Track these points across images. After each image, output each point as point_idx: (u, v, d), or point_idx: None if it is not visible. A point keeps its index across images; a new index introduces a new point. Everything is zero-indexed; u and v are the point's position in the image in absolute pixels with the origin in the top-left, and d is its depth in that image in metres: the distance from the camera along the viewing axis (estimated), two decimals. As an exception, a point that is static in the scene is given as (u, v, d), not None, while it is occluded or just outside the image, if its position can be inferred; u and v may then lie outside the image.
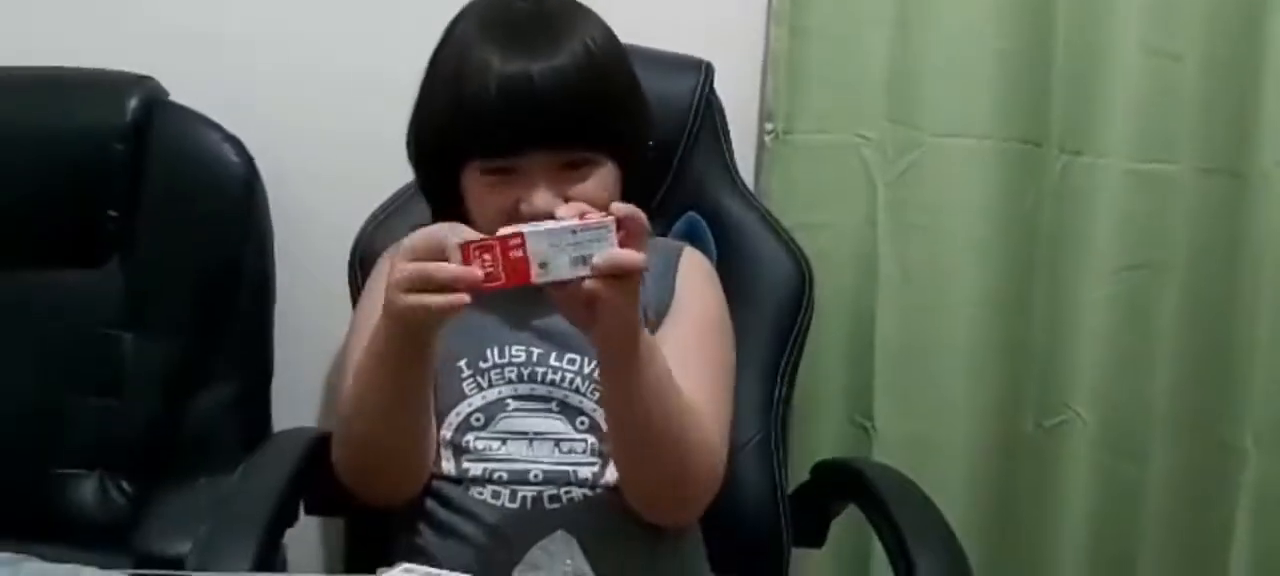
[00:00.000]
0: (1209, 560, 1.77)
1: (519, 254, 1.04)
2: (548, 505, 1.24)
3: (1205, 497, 1.77)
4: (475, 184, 1.25)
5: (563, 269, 1.04)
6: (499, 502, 1.25)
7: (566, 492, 1.25)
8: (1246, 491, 1.74)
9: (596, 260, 1.04)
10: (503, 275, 1.04)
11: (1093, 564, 1.78)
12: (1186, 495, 1.77)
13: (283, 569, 1.35)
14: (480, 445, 1.27)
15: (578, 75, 1.21)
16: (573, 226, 1.04)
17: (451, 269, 1.05)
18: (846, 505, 1.48)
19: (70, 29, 1.69)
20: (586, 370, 1.28)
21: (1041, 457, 1.77)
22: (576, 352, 1.28)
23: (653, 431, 1.18)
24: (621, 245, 1.05)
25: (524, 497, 1.25)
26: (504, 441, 1.27)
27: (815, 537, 1.51)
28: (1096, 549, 1.78)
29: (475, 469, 1.26)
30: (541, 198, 1.21)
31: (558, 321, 1.25)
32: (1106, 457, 1.76)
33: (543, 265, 1.04)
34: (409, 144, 1.32)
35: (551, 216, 1.21)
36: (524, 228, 1.05)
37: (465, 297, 1.05)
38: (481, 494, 1.25)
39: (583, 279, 1.05)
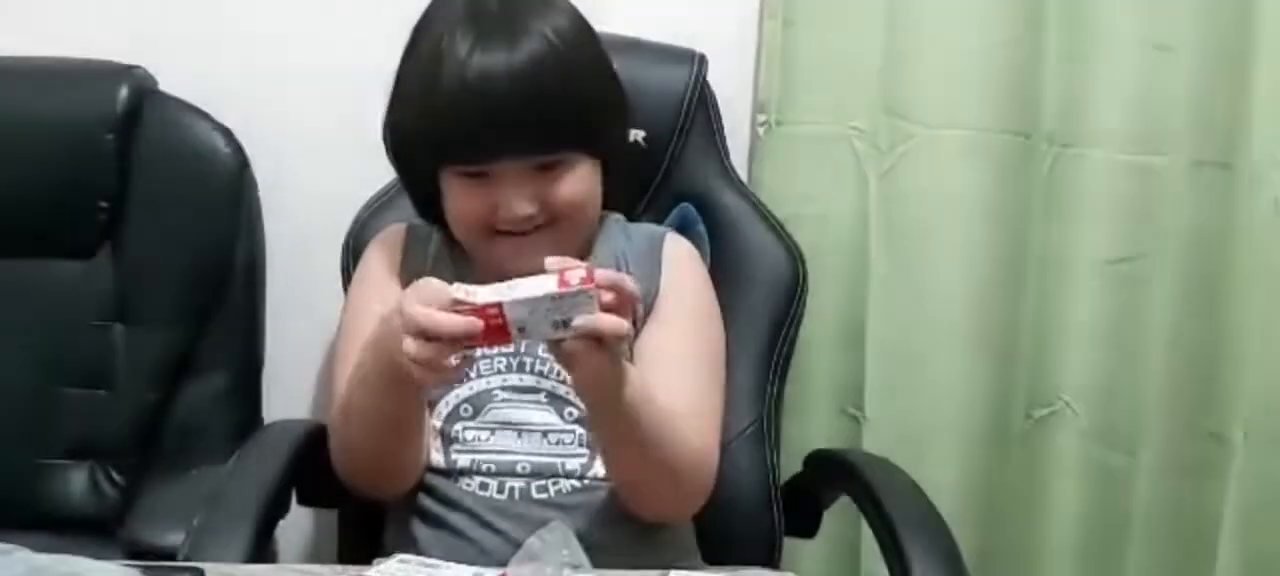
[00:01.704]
0: (1198, 552, 1.77)
1: (498, 321, 1.04)
2: (535, 496, 1.24)
3: (1195, 489, 1.77)
4: (452, 186, 1.26)
5: (543, 331, 1.05)
6: (487, 493, 1.24)
7: (554, 484, 1.25)
8: (1236, 483, 1.74)
9: (576, 322, 1.04)
10: (483, 338, 1.06)
11: (1082, 553, 1.79)
12: (1176, 486, 1.77)
13: (274, 560, 1.35)
14: (469, 436, 1.27)
15: (540, 80, 1.21)
16: (552, 294, 1.04)
17: (453, 322, 1.05)
18: (839, 496, 1.48)
19: (58, 19, 1.68)
20: None
21: (1031, 447, 1.77)
22: None
23: (640, 457, 1.20)
24: (608, 308, 1.05)
25: (512, 488, 1.25)
26: (492, 432, 1.27)
27: (808, 528, 1.52)
28: (1086, 538, 1.78)
29: (463, 460, 1.26)
30: (516, 205, 1.23)
31: None
32: (1096, 448, 1.77)
33: (521, 329, 1.05)
34: (386, 143, 1.33)
35: (526, 218, 1.24)
36: (504, 297, 1.04)
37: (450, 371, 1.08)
38: (469, 485, 1.25)
39: (562, 340, 1.06)
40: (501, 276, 1.27)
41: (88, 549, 1.05)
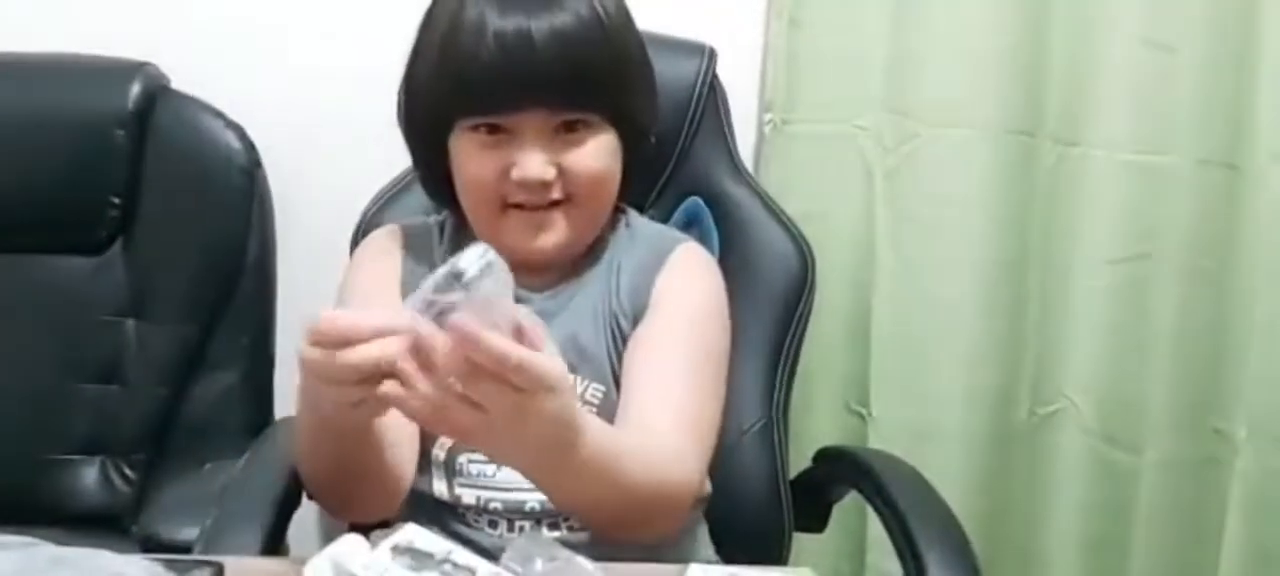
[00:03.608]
0: (1202, 548, 1.78)
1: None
2: (546, 534, 1.18)
3: (1199, 486, 1.78)
4: (465, 145, 1.19)
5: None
6: (496, 531, 1.20)
7: (565, 520, 1.19)
8: (1239, 481, 1.75)
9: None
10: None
11: (1086, 550, 1.80)
12: (1180, 484, 1.78)
13: (285, 555, 1.35)
14: (474, 469, 1.20)
15: (581, 31, 1.15)
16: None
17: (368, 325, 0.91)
18: (848, 492, 1.49)
19: (71, 16, 1.69)
20: (588, 395, 1.21)
21: (1036, 445, 1.79)
22: (573, 372, 1.18)
23: (601, 506, 1.08)
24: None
25: (520, 527, 1.19)
26: (499, 466, 1.19)
27: (817, 524, 1.52)
28: (1089, 535, 1.79)
29: (468, 495, 1.20)
30: (533, 162, 1.16)
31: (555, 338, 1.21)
32: (1100, 445, 1.78)
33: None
34: (399, 104, 1.26)
35: (543, 184, 1.16)
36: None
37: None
38: (478, 522, 1.20)
39: None
40: (513, 261, 1.25)
41: (100, 543, 1.04)
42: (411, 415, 0.93)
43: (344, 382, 0.93)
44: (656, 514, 1.12)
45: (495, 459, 1.15)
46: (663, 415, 1.14)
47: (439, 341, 0.88)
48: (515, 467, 1.05)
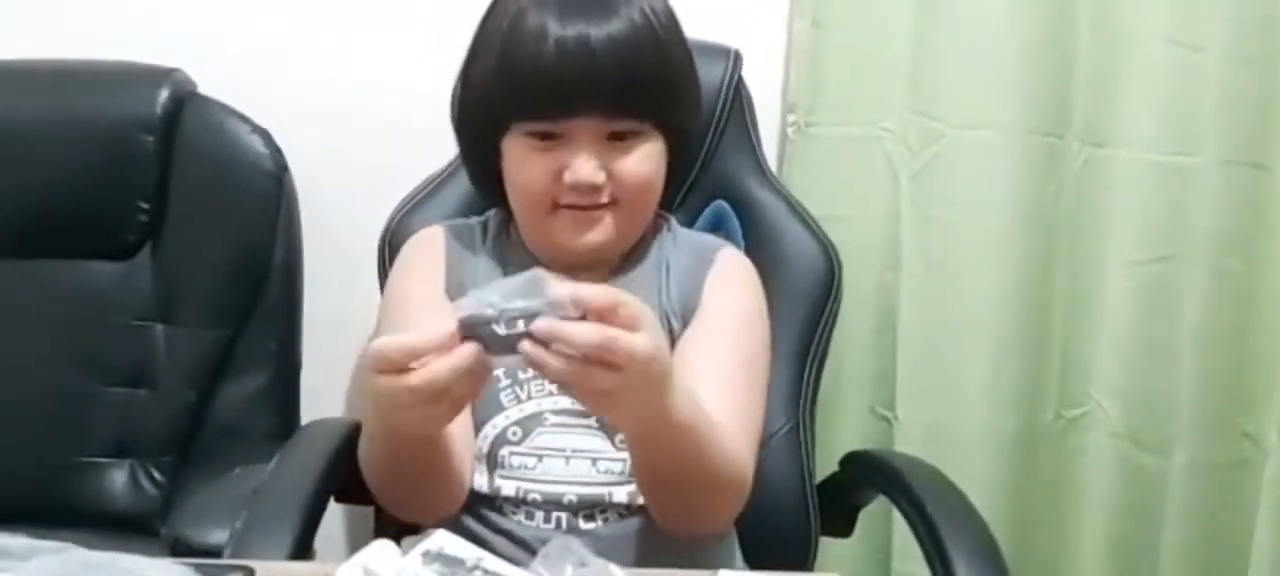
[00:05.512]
0: (1230, 552, 1.77)
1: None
2: (583, 526, 1.21)
3: (1227, 490, 1.77)
4: (518, 149, 1.23)
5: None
6: (533, 523, 1.21)
7: (602, 513, 1.21)
8: (1269, 484, 1.74)
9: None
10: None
11: (1114, 553, 1.79)
12: (1208, 487, 1.77)
13: (312, 558, 1.36)
14: (515, 461, 1.22)
15: (635, 42, 1.19)
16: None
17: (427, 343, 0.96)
18: (875, 496, 1.48)
19: (98, 22, 1.70)
20: None
21: (1063, 448, 1.78)
22: None
23: (684, 475, 1.14)
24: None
25: (558, 519, 1.21)
26: (540, 458, 1.22)
27: (844, 528, 1.52)
28: (1117, 538, 1.78)
29: (508, 487, 1.22)
30: (585, 167, 1.20)
31: None
32: (1128, 448, 1.77)
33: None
34: (453, 105, 1.30)
35: (593, 187, 1.21)
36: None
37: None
38: (516, 515, 1.21)
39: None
40: (560, 259, 1.25)
41: (128, 546, 1.04)
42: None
43: (411, 404, 0.98)
44: (725, 494, 1.19)
45: (610, 422, 1.20)
46: (717, 414, 1.16)
47: (566, 330, 0.94)
48: (621, 427, 1.14)
